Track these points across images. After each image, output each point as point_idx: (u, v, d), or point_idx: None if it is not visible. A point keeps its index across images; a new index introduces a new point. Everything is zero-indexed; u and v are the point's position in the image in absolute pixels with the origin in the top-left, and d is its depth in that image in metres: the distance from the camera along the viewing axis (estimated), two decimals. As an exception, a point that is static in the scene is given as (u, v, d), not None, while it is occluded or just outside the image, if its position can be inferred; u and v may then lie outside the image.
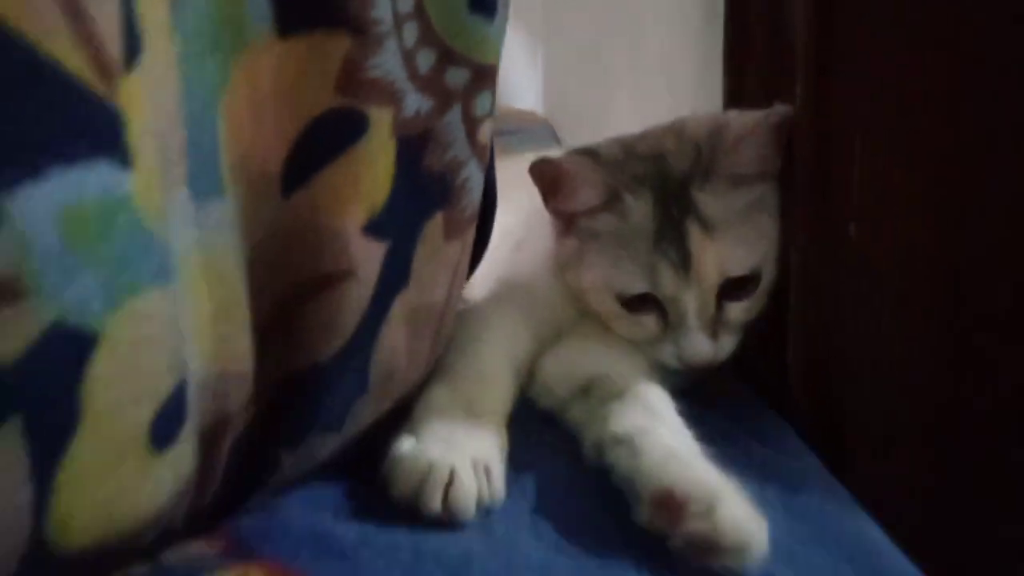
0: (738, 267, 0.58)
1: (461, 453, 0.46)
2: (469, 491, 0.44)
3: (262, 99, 0.39)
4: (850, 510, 0.49)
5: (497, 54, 0.46)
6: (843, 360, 0.56)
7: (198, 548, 0.41)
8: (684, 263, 0.57)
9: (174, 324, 0.33)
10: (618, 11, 1.17)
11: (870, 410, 0.54)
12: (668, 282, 0.58)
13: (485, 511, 0.46)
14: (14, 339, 0.26)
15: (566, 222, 0.62)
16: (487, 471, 0.46)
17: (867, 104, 0.52)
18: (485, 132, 0.48)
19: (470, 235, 0.50)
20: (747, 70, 0.70)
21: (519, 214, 0.67)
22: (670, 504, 0.43)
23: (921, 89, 0.49)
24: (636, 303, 0.60)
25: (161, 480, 0.34)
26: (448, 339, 0.53)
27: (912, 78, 0.49)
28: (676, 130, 0.62)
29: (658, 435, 0.48)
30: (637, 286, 0.59)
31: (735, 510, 0.42)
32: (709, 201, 0.58)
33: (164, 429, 0.33)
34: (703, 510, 0.42)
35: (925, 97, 0.49)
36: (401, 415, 0.51)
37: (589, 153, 0.61)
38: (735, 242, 0.58)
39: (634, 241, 0.59)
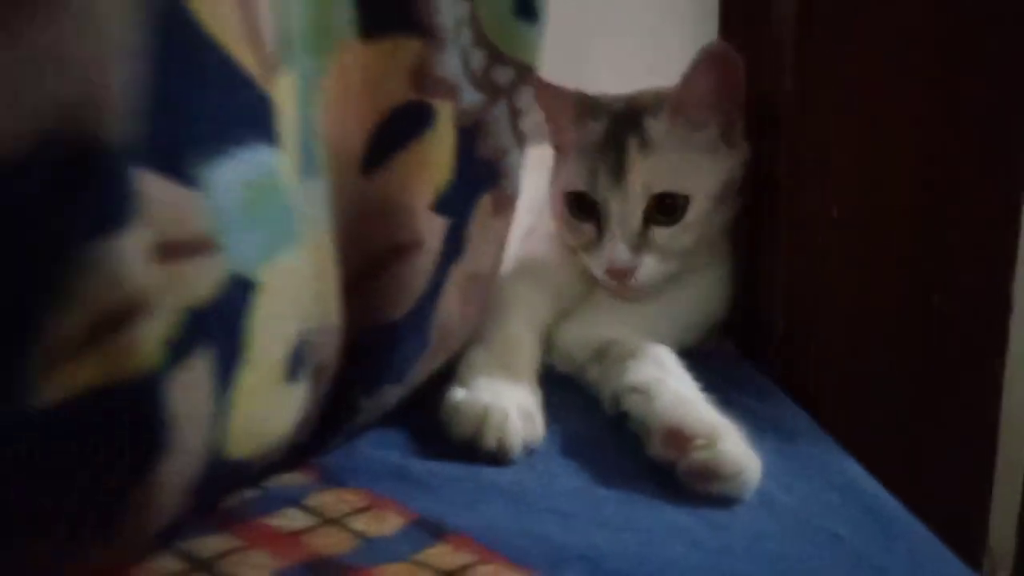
0: (663, 185, 0.68)
1: (509, 401, 0.53)
2: (518, 432, 0.52)
3: (349, 94, 0.46)
4: (834, 451, 0.57)
5: (537, 55, 0.54)
6: (819, 325, 0.65)
7: (294, 478, 0.48)
8: (618, 171, 0.68)
9: (300, 278, 0.40)
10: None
11: (838, 369, 0.63)
12: (601, 186, 0.68)
13: (528, 451, 0.53)
14: (208, 285, 0.33)
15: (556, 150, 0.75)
16: (530, 417, 0.54)
17: (846, 92, 0.61)
18: (525, 122, 0.55)
19: (512, 212, 0.57)
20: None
21: (529, 201, 0.75)
22: (679, 438, 0.50)
23: (896, 79, 0.58)
24: (577, 207, 0.71)
25: (291, 408, 0.41)
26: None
27: (888, 67, 0.58)
28: (654, 88, 0.72)
29: (668, 383, 0.56)
30: (578, 184, 0.70)
31: (734, 445, 0.50)
32: (653, 125, 0.69)
33: (294, 366, 0.40)
34: (706, 443, 0.49)
35: (899, 88, 0.58)
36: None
37: (576, 91, 0.72)
38: (667, 164, 0.68)
39: (585, 151, 0.70)
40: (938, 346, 0.60)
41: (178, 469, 0.33)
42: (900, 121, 0.63)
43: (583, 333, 0.68)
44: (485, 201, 0.54)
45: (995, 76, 0.61)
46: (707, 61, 0.67)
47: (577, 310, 0.72)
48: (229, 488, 0.42)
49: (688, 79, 0.68)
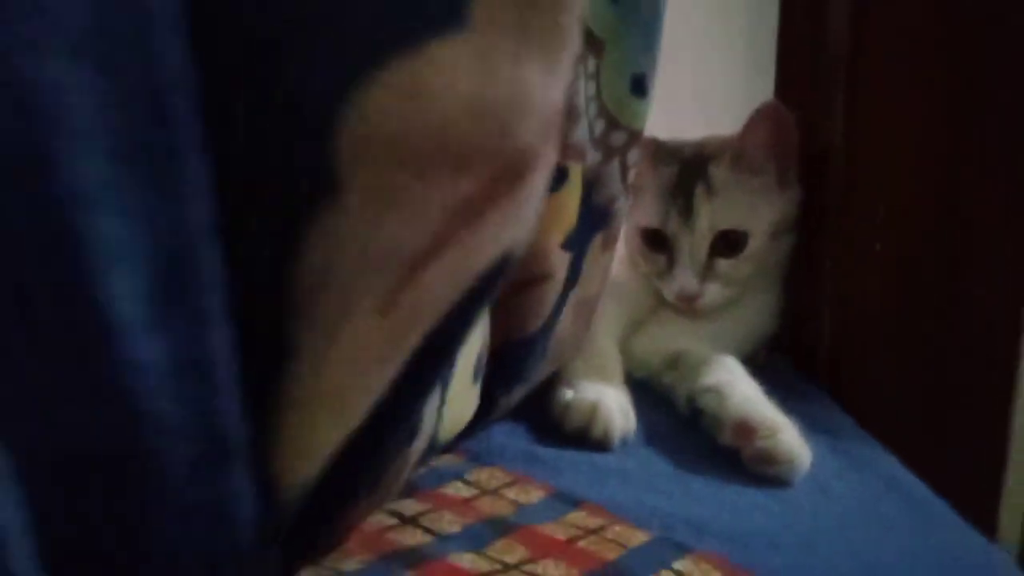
0: (726, 223, 0.80)
1: (610, 399, 0.66)
2: (619, 424, 0.65)
3: None
4: (876, 449, 0.70)
5: (645, 122, 0.66)
6: (859, 342, 0.77)
7: (451, 458, 0.60)
8: (687, 211, 0.81)
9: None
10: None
11: (875, 379, 0.75)
12: (673, 223, 0.81)
13: (624, 441, 0.66)
14: None
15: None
16: (625, 412, 0.67)
17: (885, 144, 0.74)
18: (631, 175, 0.68)
19: (615, 247, 0.70)
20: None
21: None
22: (746, 429, 0.63)
23: (924, 128, 0.71)
24: (651, 240, 0.83)
25: (472, 404, 0.54)
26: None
27: (917, 120, 0.71)
28: (718, 136, 0.85)
29: (737, 385, 0.69)
30: (652, 221, 0.83)
31: (790, 436, 0.62)
32: (716, 173, 0.81)
33: (476, 371, 0.53)
34: (768, 434, 0.62)
35: (928, 135, 0.71)
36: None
37: (651, 138, 0.83)
38: (729, 205, 0.81)
39: (659, 191, 0.83)
40: (959, 359, 0.73)
41: (417, 448, 0.45)
42: (928, 163, 0.76)
43: (656, 345, 0.81)
44: (598, 239, 0.66)
45: (1010, 117, 0.74)
46: (762, 116, 0.80)
47: (648, 324, 0.84)
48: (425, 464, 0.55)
49: (746, 132, 0.80)
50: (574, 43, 0.31)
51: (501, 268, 0.33)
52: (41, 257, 0.21)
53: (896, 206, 0.76)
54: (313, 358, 0.28)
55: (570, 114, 0.59)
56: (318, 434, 0.29)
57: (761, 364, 0.79)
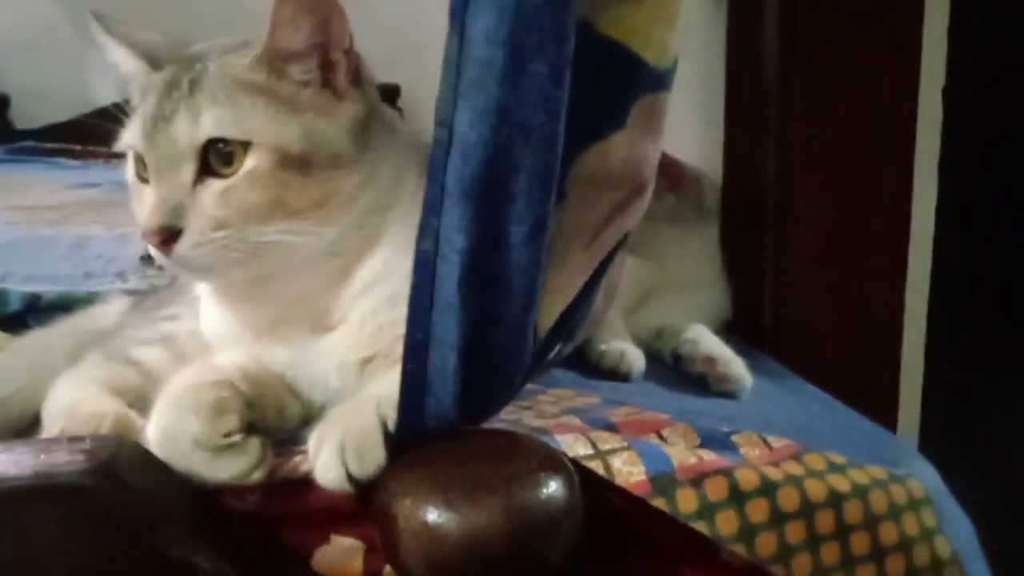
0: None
1: (631, 348, 1.00)
2: (638, 364, 0.99)
3: None
4: (798, 381, 1.06)
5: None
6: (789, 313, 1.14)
7: (529, 386, 0.93)
8: None
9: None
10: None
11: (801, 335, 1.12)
12: None
13: (638, 375, 1.01)
14: None
15: None
16: (640, 357, 1.01)
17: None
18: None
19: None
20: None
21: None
22: (710, 360, 0.99)
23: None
24: None
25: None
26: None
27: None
28: None
29: (706, 337, 1.04)
30: None
31: (740, 366, 0.98)
32: None
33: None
34: (725, 364, 0.98)
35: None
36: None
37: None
38: None
39: None
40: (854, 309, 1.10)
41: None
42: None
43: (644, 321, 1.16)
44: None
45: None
46: None
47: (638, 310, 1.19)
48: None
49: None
50: (663, 131, 0.66)
51: (627, 235, 0.67)
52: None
53: (816, 218, 1.13)
54: (553, 272, 0.61)
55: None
56: (555, 305, 0.63)
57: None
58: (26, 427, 0.79)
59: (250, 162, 0.64)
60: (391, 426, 0.60)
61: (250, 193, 0.65)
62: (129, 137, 0.68)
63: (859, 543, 0.70)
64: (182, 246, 0.64)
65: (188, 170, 0.65)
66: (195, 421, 0.59)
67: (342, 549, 0.61)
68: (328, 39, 0.66)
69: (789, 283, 1.14)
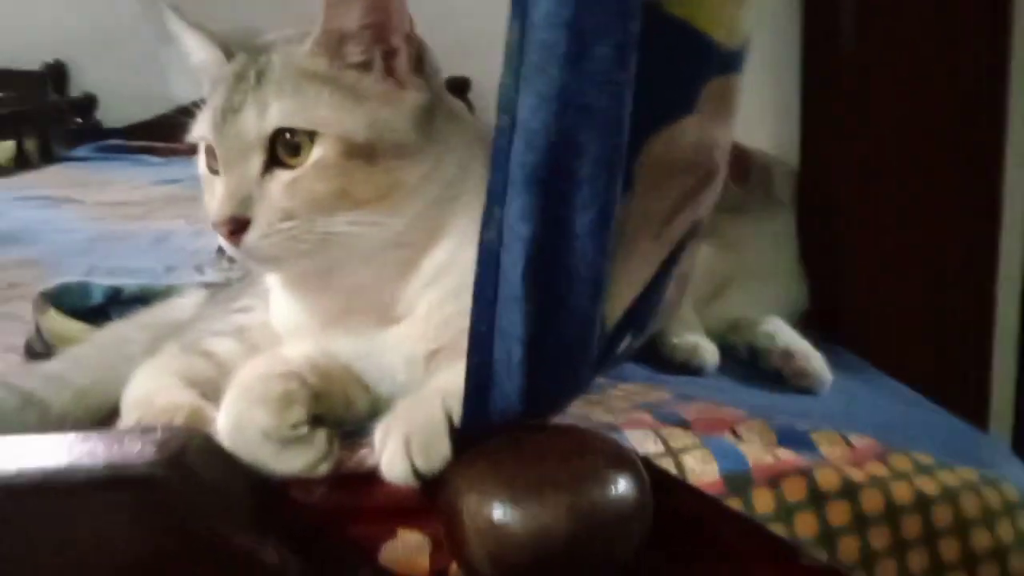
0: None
1: (704, 341, 0.97)
2: (711, 358, 0.96)
3: None
4: (878, 374, 1.02)
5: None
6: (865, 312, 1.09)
7: (599, 380, 0.91)
8: None
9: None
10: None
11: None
12: None
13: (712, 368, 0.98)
14: None
15: None
16: (714, 352, 0.98)
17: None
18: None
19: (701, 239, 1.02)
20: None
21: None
22: (788, 355, 0.95)
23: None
24: None
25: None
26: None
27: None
28: None
29: (783, 331, 1.01)
30: None
31: (818, 361, 0.94)
32: None
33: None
34: (803, 359, 0.94)
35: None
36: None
37: None
38: None
39: None
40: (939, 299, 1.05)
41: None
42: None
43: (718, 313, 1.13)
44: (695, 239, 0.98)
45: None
46: None
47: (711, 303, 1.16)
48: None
49: None
50: (735, 115, 0.63)
51: (700, 222, 0.65)
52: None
53: (889, 198, 1.08)
54: (620, 261, 0.59)
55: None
56: (623, 296, 0.61)
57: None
58: (105, 417, 0.81)
59: (317, 152, 0.64)
60: (456, 420, 0.60)
61: (317, 183, 0.64)
62: (200, 128, 0.69)
63: (948, 549, 0.66)
64: (250, 236, 0.64)
65: (256, 161, 0.65)
66: (263, 413, 0.60)
67: (408, 545, 0.61)
68: (386, 20, 0.65)
69: (869, 274, 1.10)
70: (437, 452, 0.58)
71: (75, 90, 3.05)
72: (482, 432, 0.59)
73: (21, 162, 2.79)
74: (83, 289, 1.06)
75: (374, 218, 0.66)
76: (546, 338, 0.56)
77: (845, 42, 1.10)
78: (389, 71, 0.67)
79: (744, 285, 1.14)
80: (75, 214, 2.17)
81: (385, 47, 0.66)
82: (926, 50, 1.06)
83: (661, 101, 0.57)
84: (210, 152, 0.69)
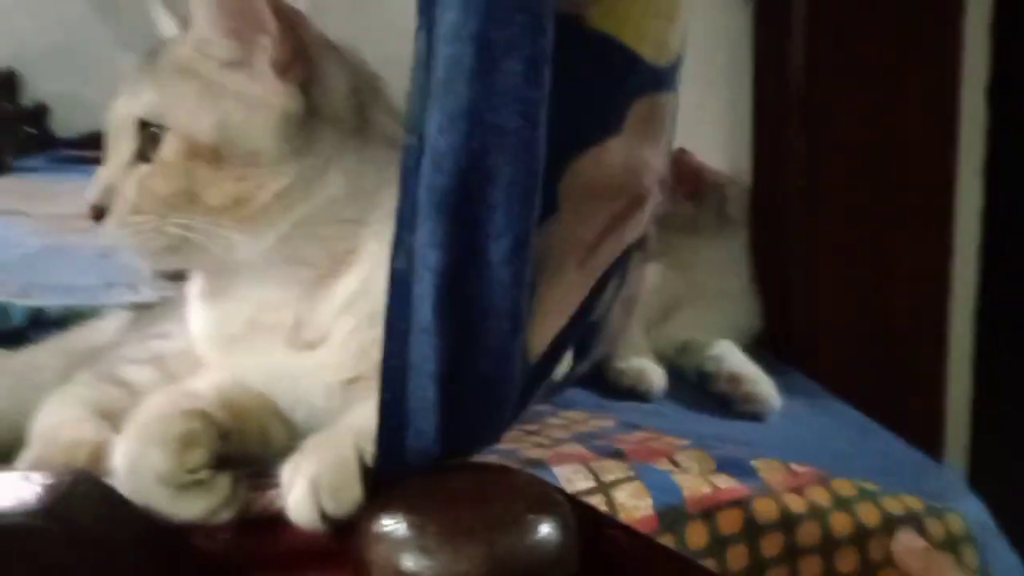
0: None
1: (651, 366, 0.94)
2: (658, 383, 0.93)
3: None
4: (829, 397, 0.99)
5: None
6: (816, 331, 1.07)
7: (541, 407, 0.87)
8: None
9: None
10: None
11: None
12: None
13: (659, 394, 0.94)
14: None
15: None
16: (661, 375, 0.95)
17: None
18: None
19: (646, 263, 0.99)
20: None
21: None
22: (735, 379, 0.92)
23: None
24: None
25: (566, 362, 0.81)
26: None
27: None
28: None
29: (731, 354, 0.97)
30: None
31: (766, 385, 0.91)
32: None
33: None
34: (751, 383, 0.91)
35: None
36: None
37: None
38: None
39: None
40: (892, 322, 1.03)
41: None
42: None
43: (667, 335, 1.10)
44: (637, 255, 0.95)
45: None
46: None
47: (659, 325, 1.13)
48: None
49: None
50: (666, 136, 0.60)
51: (630, 249, 0.61)
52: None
53: (841, 220, 1.06)
54: (544, 290, 0.56)
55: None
56: (547, 327, 0.57)
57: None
58: (11, 451, 0.76)
59: (164, 148, 0.61)
60: (369, 460, 0.55)
61: (160, 180, 0.61)
62: None
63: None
64: (107, 225, 0.63)
65: (126, 150, 0.63)
66: (159, 455, 0.55)
67: (320, 592, 0.57)
68: (251, 17, 0.61)
69: (820, 294, 1.07)
70: (347, 495, 0.54)
71: (27, 99, 2.97)
72: (397, 473, 0.56)
73: (-32, 174, 2.69)
74: (2, 311, 1.00)
75: (232, 228, 0.62)
76: (462, 373, 0.53)
77: (795, 60, 1.07)
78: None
79: (695, 306, 1.11)
80: (21, 228, 2.10)
81: (254, 46, 0.62)
82: (878, 71, 1.04)
83: (585, 120, 0.54)
84: None
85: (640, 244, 0.94)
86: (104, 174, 0.63)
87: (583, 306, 0.60)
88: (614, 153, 0.56)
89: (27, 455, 0.69)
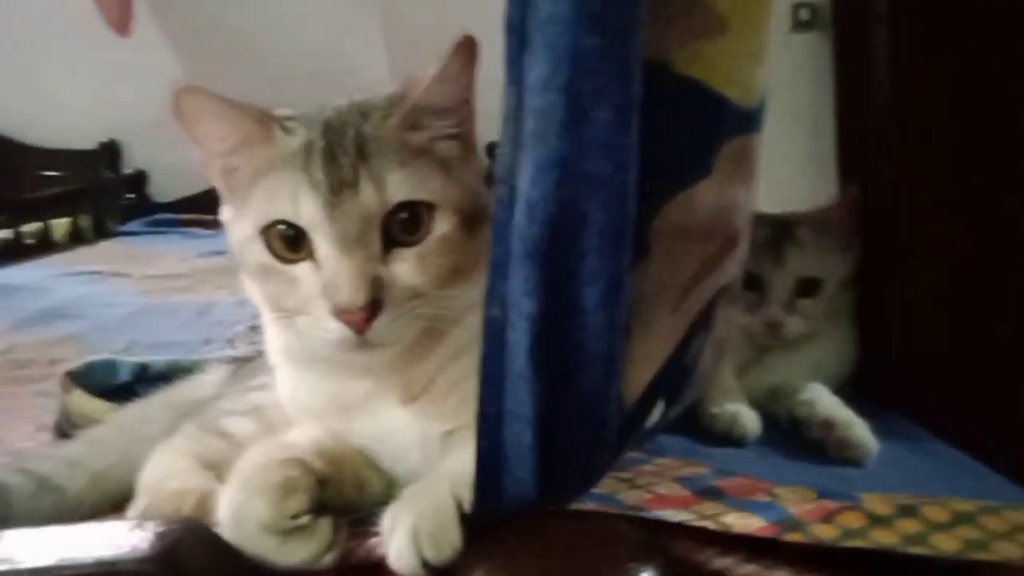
0: (807, 271, 1.04)
1: (744, 410, 0.92)
2: (751, 428, 0.91)
3: None
4: (935, 443, 0.95)
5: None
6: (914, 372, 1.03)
7: (634, 454, 0.86)
8: (779, 260, 1.06)
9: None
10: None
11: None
12: (767, 268, 1.04)
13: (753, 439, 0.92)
14: None
15: None
16: (754, 420, 0.93)
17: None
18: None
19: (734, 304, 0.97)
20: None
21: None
22: (828, 425, 0.88)
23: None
24: (746, 282, 0.99)
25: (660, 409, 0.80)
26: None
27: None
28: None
29: (824, 398, 0.94)
30: (751, 266, 0.94)
31: (861, 430, 0.87)
32: (802, 233, 1.06)
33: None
34: (845, 428, 0.87)
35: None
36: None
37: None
38: (811, 258, 1.04)
39: (757, 247, 0.94)
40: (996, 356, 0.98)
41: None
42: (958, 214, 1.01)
43: (759, 381, 1.07)
44: (724, 298, 0.94)
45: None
46: (844, 198, 1.07)
47: (751, 367, 1.10)
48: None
49: (832, 208, 1.07)
50: (756, 176, 0.60)
51: (726, 288, 0.61)
52: None
53: (936, 253, 1.02)
54: (639, 337, 0.56)
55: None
56: (642, 371, 0.57)
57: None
58: (122, 501, 0.79)
59: (441, 225, 0.62)
60: (467, 507, 0.56)
61: (442, 257, 0.62)
62: (280, 209, 0.61)
63: None
64: (382, 320, 0.60)
65: (376, 239, 0.61)
66: (262, 503, 0.57)
67: (418, 638, 0.57)
68: (471, 96, 0.64)
69: (917, 330, 1.03)
70: (447, 542, 0.55)
71: (127, 167, 3.13)
72: (495, 520, 0.56)
73: (75, 238, 2.85)
74: (109, 367, 1.05)
75: (467, 288, 0.63)
76: (558, 419, 0.53)
77: (879, 93, 1.05)
78: (458, 137, 0.65)
79: (786, 348, 1.08)
80: (122, 288, 2.20)
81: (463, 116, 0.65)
82: (970, 87, 1.01)
83: (675, 164, 0.55)
84: (284, 237, 0.62)
85: (728, 285, 0.93)
86: (361, 270, 0.59)
87: (678, 350, 0.60)
88: (705, 195, 0.56)
89: (136, 505, 0.72)
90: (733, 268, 0.62)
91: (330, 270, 0.60)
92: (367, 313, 0.59)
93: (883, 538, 0.58)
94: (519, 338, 0.51)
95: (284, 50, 2.63)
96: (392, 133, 0.62)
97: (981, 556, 0.58)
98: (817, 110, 1.27)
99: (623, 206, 0.50)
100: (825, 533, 0.59)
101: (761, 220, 1.09)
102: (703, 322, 0.62)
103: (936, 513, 0.62)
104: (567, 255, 0.50)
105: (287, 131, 0.64)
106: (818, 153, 1.27)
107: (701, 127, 0.56)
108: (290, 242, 0.62)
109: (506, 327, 0.52)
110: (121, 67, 2.76)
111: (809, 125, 1.35)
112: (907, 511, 0.61)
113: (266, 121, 0.64)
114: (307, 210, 0.60)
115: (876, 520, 0.60)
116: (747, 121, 0.58)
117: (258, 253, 0.63)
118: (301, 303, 0.62)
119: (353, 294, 0.58)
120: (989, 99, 1.01)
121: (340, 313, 0.59)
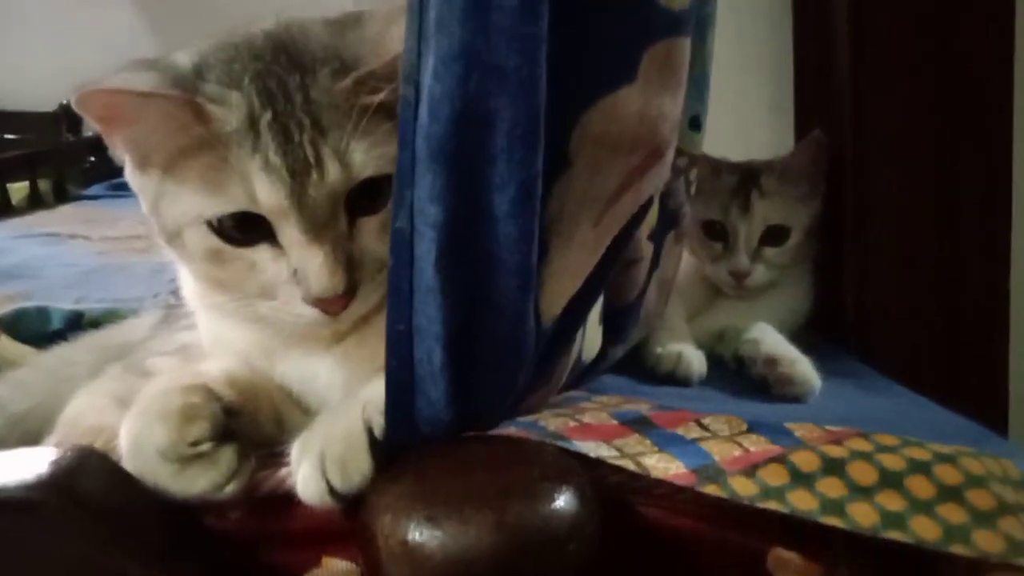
0: (774, 219, 1.03)
1: (690, 350, 0.90)
2: (697, 368, 0.89)
3: None
4: (881, 379, 0.93)
5: (700, 149, 0.91)
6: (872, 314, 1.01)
7: (574, 392, 0.83)
8: (745, 208, 1.05)
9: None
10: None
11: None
12: (732, 216, 1.05)
13: (699, 379, 0.90)
14: None
15: None
16: (701, 360, 0.91)
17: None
18: (692, 188, 0.92)
19: (683, 243, 0.95)
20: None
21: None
22: (772, 361, 0.87)
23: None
24: (711, 231, 1.04)
25: (598, 340, 0.77)
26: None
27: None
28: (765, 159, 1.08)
29: (769, 336, 0.92)
30: (715, 215, 1.03)
31: (805, 366, 0.85)
32: (768, 181, 1.05)
33: (600, 316, 0.77)
34: (788, 364, 0.86)
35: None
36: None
37: (714, 157, 1.07)
38: (777, 205, 1.03)
39: (722, 195, 1.05)
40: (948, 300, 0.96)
41: (575, 349, 0.69)
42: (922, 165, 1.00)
43: (709, 324, 1.05)
44: (671, 235, 0.91)
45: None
46: (808, 144, 1.04)
47: (702, 312, 1.08)
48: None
49: (795, 154, 1.05)
50: (684, 84, 0.57)
51: (648, 203, 0.58)
52: None
53: (897, 204, 1.00)
54: (558, 251, 0.53)
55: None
56: (562, 288, 0.54)
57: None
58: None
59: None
60: (379, 432, 0.53)
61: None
62: (238, 199, 0.54)
63: (979, 500, 0.52)
64: (357, 300, 0.56)
65: (342, 217, 0.56)
66: (160, 429, 0.54)
67: (335, 573, 0.54)
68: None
69: (872, 275, 1.01)
70: (355, 469, 0.52)
71: (89, 130, 3.06)
72: (408, 444, 0.53)
73: (35, 202, 2.78)
74: (41, 314, 1.02)
75: None
76: (471, 336, 0.50)
77: (838, 36, 1.03)
78: None
79: (742, 296, 1.06)
80: (81, 249, 2.15)
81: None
82: (929, 39, 0.99)
83: (597, 68, 0.52)
84: (242, 220, 0.56)
85: (675, 222, 0.91)
86: (335, 255, 0.54)
87: (598, 268, 0.57)
88: (629, 102, 0.53)
89: (48, 441, 0.69)
90: (658, 181, 0.59)
91: (300, 258, 0.55)
92: (346, 300, 0.56)
93: (800, 502, 0.53)
94: (426, 248, 0.48)
95: (249, 2, 2.56)
96: (346, 96, 0.55)
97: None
98: (779, 55, 1.25)
99: (534, 104, 0.47)
100: (744, 489, 0.54)
101: (726, 167, 1.08)
102: (625, 237, 0.59)
103: (862, 473, 0.56)
104: (474, 157, 0.47)
105: (218, 101, 0.54)
106: (781, 100, 1.25)
107: (625, 28, 0.52)
108: (244, 225, 0.56)
109: (413, 238, 0.49)
110: (82, 27, 2.68)
111: (772, 71, 1.32)
112: (832, 468, 0.55)
113: (192, 103, 0.54)
114: (266, 198, 0.54)
115: (798, 478, 0.54)
116: (675, 23, 0.54)
117: (202, 237, 0.57)
118: (264, 289, 0.57)
119: (332, 283, 0.54)
120: (949, 44, 0.99)
121: (317, 302, 0.55)
